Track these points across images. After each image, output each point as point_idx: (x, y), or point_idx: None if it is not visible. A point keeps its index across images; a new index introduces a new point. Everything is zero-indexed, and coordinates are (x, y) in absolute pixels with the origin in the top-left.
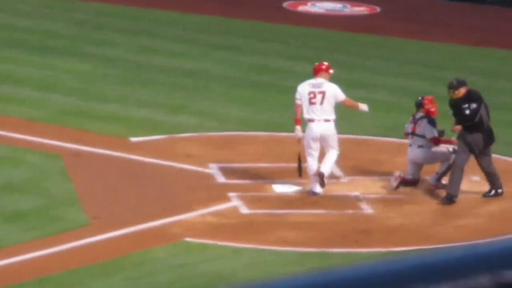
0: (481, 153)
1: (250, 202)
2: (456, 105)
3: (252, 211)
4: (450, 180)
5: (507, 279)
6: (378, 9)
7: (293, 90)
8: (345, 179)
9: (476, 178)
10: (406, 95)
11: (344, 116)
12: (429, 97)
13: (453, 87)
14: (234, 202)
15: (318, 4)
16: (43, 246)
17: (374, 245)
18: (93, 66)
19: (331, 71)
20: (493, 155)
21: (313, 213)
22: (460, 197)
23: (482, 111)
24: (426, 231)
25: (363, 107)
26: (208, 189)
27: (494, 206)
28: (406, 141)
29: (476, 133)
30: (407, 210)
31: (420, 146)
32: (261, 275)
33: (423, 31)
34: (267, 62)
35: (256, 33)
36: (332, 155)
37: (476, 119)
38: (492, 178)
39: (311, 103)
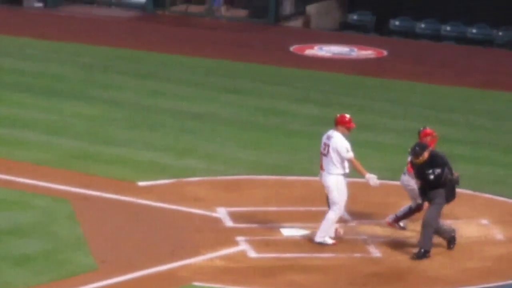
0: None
1: (258, 246)
2: (420, 170)
3: (260, 255)
4: (424, 236)
5: None
6: (385, 52)
7: (300, 133)
8: (353, 223)
9: (485, 221)
10: (413, 138)
11: None
12: (428, 130)
13: (416, 154)
14: (242, 246)
15: (325, 48)
16: None
17: None
18: (101, 110)
19: (349, 125)
20: (501, 198)
21: (321, 256)
22: (468, 240)
23: (446, 173)
24: (434, 274)
25: (372, 180)
26: (216, 233)
27: (502, 249)
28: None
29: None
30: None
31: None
32: None
33: (430, 74)
34: (274, 105)
35: (263, 77)
36: (328, 216)
37: (440, 183)
38: (426, 231)
39: (322, 153)
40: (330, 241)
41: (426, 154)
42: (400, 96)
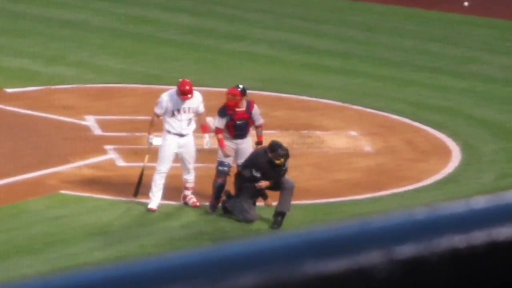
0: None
1: (127, 154)
2: (276, 169)
3: (129, 164)
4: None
5: (399, 254)
6: None
7: (171, 42)
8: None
9: (354, 133)
10: (285, 49)
11: (222, 69)
12: (234, 90)
13: (283, 156)
14: (111, 154)
15: None
16: None
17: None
18: None
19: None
20: (371, 110)
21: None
22: (337, 152)
23: None
24: (304, 185)
25: (152, 140)
26: (85, 141)
27: (371, 160)
28: (284, 95)
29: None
30: None
31: None
32: (137, 229)
33: None
34: (145, 13)
35: None
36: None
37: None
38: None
39: None
40: (151, 205)
41: None
42: (272, 6)
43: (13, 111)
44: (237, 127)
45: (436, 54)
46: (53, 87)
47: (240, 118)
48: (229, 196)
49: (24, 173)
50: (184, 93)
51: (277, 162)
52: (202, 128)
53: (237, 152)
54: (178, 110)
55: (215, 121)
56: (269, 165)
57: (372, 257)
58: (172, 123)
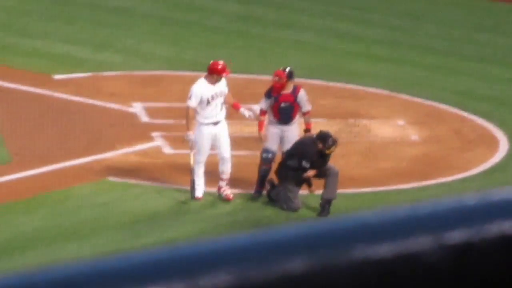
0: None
1: (174, 142)
2: (325, 158)
3: (175, 151)
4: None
5: (449, 240)
6: None
7: (219, 29)
8: None
9: (400, 122)
10: (332, 37)
11: (269, 56)
12: (281, 71)
13: (333, 145)
14: (158, 141)
15: None
16: None
17: None
18: (17, 1)
19: (217, 72)
20: (417, 99)
21: (235, 154)
22: (384, 140)
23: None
24: (349, 173)
25: (188, 136)
26: (132, 128)
27: (417, 150)
28: (331, 83)
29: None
30: None
31: None
32: (183, 215)
33: None
34: (192, 0)
35: None
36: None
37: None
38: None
39: None
40: (197, 194)
41: None
42: None
43: (61, 98)
44: (281, 110)
45: (484, 43)
46: (100, 73)
47: (285, 100)
48: (273, 185)
49: (72, 159)
50: (220, 72)
51: (328, 152)
52: (234, 106)
53: (282, 139)
54: (212, 97)
55: (260, 103)
56: (318, 155)
57: (422, 243)
58: (205, 113)
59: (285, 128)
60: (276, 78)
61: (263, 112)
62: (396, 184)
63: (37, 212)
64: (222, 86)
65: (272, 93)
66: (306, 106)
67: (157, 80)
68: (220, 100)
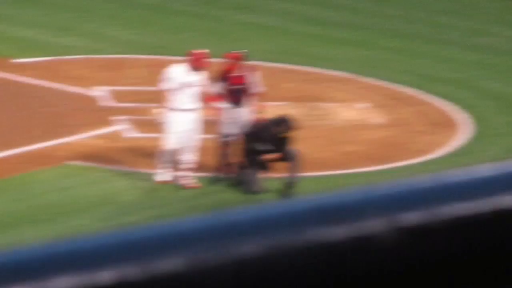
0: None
1: (136, 125)
2: (283, 141)
3: (137, 135)
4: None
5: (404, 222)
6: None
7: (180, 13)
8: None
9: (363, 105)
10: (295, 20)
11: (231, 40)
12: (235, 53)
13: (291, 129)
14: (120, 125)
15: None
16: None
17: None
18: None
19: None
20: (382, 82)
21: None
22: (348, 124)
23: None
24: (314, 157)
25: (157, 116)
26: (94, 112)
27: (381, 132)
28: (294, 66)
29: None
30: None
31: None
32: (145, 200)
33: None
34: None
35: None
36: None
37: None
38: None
39: None
40: (159, 177)
41: None
42: None
43: (22, 81)
44: (234, 92)
45: (446, 26)
46: (62, 57)
47: (237, 83)
48: (240, 168)
49: (33, 143)
50: (197, 59)
51: (283, 135)
52: (207, 99)
53: (236, 121)
54: (187, 84)
55: (212, 87)
56: (273, 138)
57: (376, 224)
58: (180, 99)
59: (239, 110)
60: (228, 60)
61: (218, 97)
62: (359, 167)
63: None
64: (201, 76)
65: (224, 75)
66: (258, 88)
67: (119, 64)
68: (196, 89)
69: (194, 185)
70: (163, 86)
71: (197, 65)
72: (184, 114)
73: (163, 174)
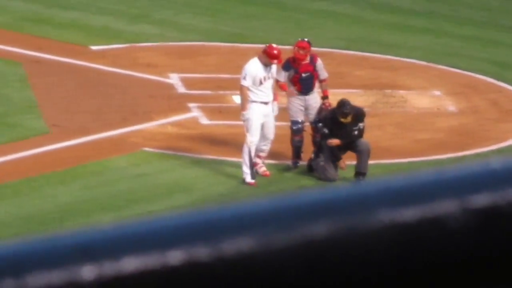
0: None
1: (211, 113)
2: (343, 127)
3: (212, 122)
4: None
5: (474, 204)
6: None
7: (255, 1)
8: None
9: (438, 92)
10: (369, 8)
11: (306, 28)
12: (304, 43)
13: (346, 114)
14: (195, 112)
15: None
16: (1, 153)
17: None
18: None
19: (270, 57)
20: (455, 69)
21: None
22: (420, 111)
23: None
24: (385, 144)
25: (243, 116)
26: (169, 99)
27: (454, 120)
28: (368, 54)
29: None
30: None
31: None
32: (220, 186)
33: None
34: None
35: None
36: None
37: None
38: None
39: None
40: (248, 179)
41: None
42: None
43: (97, 69)
44: (303, 80)
45: None
46: (137, 45)
47: (305, 70)
48: (315, 154)
49: (108, 130)
50: (274, 57)
51: (342, 119)
52: (281, 87)
53: (306, 109)
54: (264, 78)
55: (278, 75)
56: (334, 122)
57: (447, 206)
58: (258, 92)
59: (308, 97)
60: (300, 49)
61: (283, 85)
62: (432, 155)
63: (74, 183)
64: (273, 68)
65: (292, 64)
66: (324, 74)
67: (193, 51)
68: (270, 81)
69: (265, 173)
70: (246, 83)
71: (275, 56)
72: (263, 106)
73: (249, 175)
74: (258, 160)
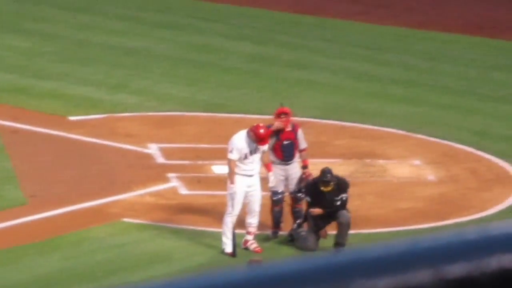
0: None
1: (189, 183)
2: (325, 196)
3: (191, 192)
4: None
5: (449, 274)
6: None
7: (234, 70)
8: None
9: (417, 162)
10: (348, 77)
11: (284, 97)
12: (285, 108)
13: (328, 182)
14: (173, 182)
15: None
16: None
17: None
18: (32, 43)
19: (256, 136)
20: (434, 139)
21: None
22: (400, 181)
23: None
24: (365, 213)
25: (230, 189)
26: (147, 169)
27: (434, 189)
28: (347, 123)
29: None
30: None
31: None
32: (200, 256)
33: (366, 13)
34: (208, 41)
35: (198, 12)
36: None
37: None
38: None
39: None
40: (228, 249)
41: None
42: (335, 35)
43: (76, 139)
44: (284, 147)
45: (500, 83)
46: (116, 115)
47: (287, 138)
48: (298, 224)
49: (87, 200)
50: (260, 139)
51: (322, 188)
52: (266, 166)
53: (287, 179)
54: (250, 152)
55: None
56: (316, 190)
57: (421, 276)
58: (242, 166)
59: (288, 167)
60: (284, 116)
61: (268, 165)
62: (413, 224)
63: (52, 254)
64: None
65: (276, 131)
66: (304, 143)
67: (172, 121)
68: (257, 155)
69: (256, 249)
70: (233, 156)
71: (262, 137)
72: (247, 179)
73: (230, 245)
74: (248, 237)
